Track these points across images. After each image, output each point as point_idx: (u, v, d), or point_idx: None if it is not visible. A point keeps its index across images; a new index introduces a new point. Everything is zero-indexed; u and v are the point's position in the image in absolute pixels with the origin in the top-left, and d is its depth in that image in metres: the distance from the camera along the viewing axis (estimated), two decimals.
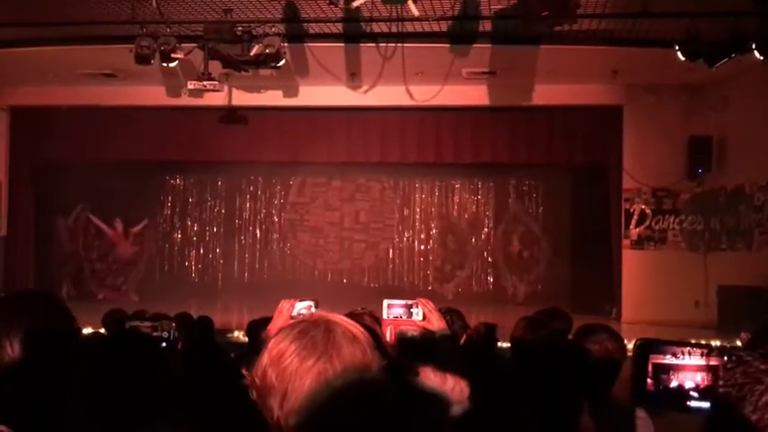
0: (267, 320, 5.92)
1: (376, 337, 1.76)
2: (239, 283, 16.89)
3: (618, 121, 13.44)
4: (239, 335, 9.76)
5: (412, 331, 3.83)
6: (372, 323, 3.63)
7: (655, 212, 13.37)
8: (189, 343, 4.50)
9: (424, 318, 3.76)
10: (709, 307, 12.34)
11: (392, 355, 3.53)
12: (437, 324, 3.71)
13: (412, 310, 3.88)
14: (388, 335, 3.79)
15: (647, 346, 1.38)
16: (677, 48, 9.56)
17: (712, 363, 1.41)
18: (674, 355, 1.39)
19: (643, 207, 13.37)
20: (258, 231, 17.39)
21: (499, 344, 6.62)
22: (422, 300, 3.85)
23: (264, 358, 1.66)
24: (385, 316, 3.88)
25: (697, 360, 1.40)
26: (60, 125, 14.21)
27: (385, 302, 3.96)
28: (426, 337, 3.72)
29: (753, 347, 2.17)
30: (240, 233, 17.41)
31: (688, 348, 1.40)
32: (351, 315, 3.57)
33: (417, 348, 3.65)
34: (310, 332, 1.66)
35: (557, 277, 15.62)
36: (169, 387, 2.20)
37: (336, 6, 7.90)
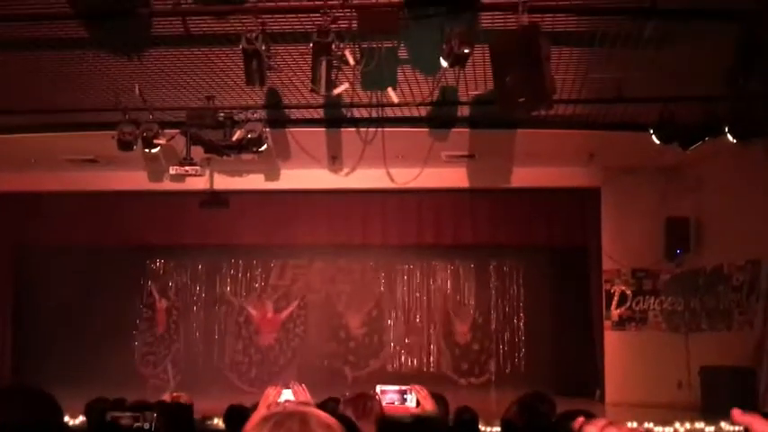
0: (245, 408, 5.87)
1: (352, 429, 1.78)
2: (219, 368, 16.65)
3: (596, 202, 13.60)
4: (218, 422, 9.60)
5: (405, 417, 3.81)
6: (380, 407, 3.62)
7: (635, 293, 13.42)
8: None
9: (418, 404, 3.75)
10: (692, 388, 12.28)
11: None
12: (431, 411, 3.69)
13: (405, 396, 3.87)
14: None
15: None
16: (652, 131, 9.77)
17: None
18: None
19: (623, 288, 13.43)
20: (239, 315, 17.23)
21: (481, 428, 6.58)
22: (416, 386, 3.85)
23: None
24: None
25: None
26: (42, 210, 14.20)
27: (378, 388, 3.94)
28: (419, 421, 3.70)
29: None
30: (220, 316, 17.25)
31: None
32: (360, 396, 3.57)
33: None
34: (286, 423, 1.67)
35: (539, 359, 15.56)
36: None
37: (318, 94, 8.03)
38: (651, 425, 10.00)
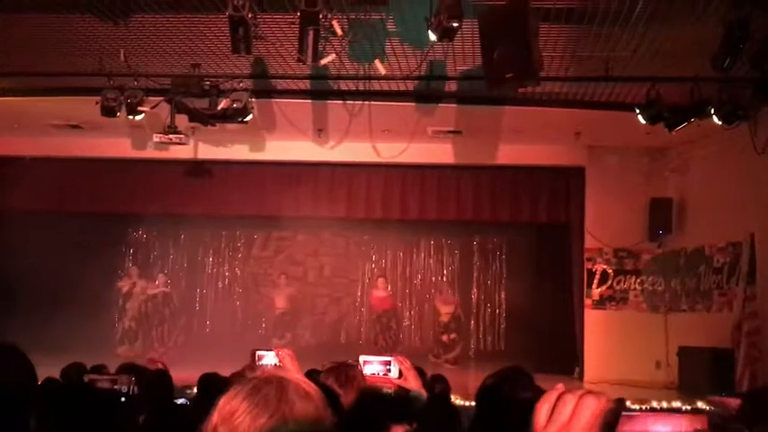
0: (219, 376, 5.86)
1: (332, 396, 1.75)
2: (200, 338, 16.63)
3: (580, 181, 13.62)
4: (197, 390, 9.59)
5: (387, 388, 3.78)
6: (362, 377, 3.58)
7: (616, 272, 13.47)
8: (147, 397, 4.43)
9: (401, 375, 3.72)
10: (670, 367, 12.39)
11: (352, 413, 3.50)
12: (414, 383, 3.67)
13: (389, 367, 3.84)
14: None
15: None
16: (638, 111, 9.76)
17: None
18: None
19: (605, 267, 13.48)
20: (221, 285, 17.22)
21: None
22: (399, 357, 3.80)
23: (215, 417, 1.62)
24: None
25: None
26: (24, 176, 14.03)
27: (361, 359, 3.90)
28: (400, 396, 3.68)
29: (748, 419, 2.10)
30: (203, 287, 17.21)
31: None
32: (342, 365, 3.54)
33: (390, 406, 3.61)
34: (263, 389, 1.63)
35: (519, 336, 15.59)
36: None
37: (305, 63, 7.97)
38: (628, 403, 10.08)
